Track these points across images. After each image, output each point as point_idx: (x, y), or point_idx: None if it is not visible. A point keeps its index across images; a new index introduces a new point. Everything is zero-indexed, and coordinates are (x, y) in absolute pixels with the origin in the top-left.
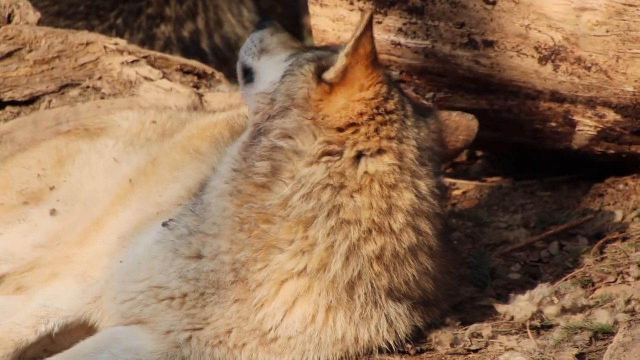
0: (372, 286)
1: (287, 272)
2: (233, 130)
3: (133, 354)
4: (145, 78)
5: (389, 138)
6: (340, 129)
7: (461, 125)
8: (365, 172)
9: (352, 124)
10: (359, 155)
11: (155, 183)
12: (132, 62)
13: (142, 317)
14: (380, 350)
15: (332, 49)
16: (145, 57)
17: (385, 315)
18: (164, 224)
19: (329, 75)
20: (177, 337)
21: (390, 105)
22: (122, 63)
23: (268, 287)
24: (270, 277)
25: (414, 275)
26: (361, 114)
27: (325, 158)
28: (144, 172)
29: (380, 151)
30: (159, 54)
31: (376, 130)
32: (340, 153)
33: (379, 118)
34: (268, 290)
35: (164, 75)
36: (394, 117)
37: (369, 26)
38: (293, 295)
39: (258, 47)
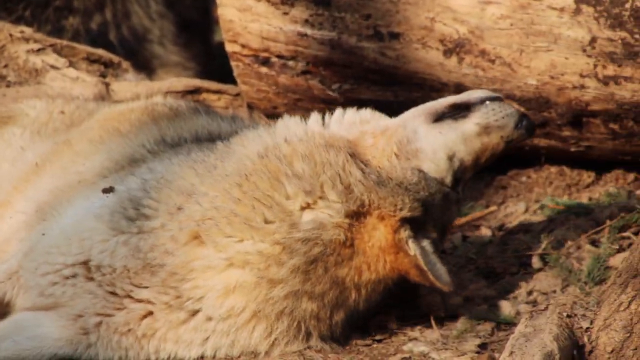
0: (299, 324)
1: (250, 261)
2: (154, 117)
3: (37, 342)
4: (52, 66)
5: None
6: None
7: None
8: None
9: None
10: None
11: (74, 155)
12: (38, 50)
13: (59, 299)
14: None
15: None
16: (51, 46)
17: (309, 345)
18: (106, 190)
19: (409, 245)
20: (86, 322)
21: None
22: (28, 51)
23: (223, 258)
24: (233, 250)
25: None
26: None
27: (340, 230)
28: (55, 152)
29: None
30: (65, 42)
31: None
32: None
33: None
34: (220, 262)
35: (71, 64)
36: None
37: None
38: (237, 282)
39: (483, 122)
